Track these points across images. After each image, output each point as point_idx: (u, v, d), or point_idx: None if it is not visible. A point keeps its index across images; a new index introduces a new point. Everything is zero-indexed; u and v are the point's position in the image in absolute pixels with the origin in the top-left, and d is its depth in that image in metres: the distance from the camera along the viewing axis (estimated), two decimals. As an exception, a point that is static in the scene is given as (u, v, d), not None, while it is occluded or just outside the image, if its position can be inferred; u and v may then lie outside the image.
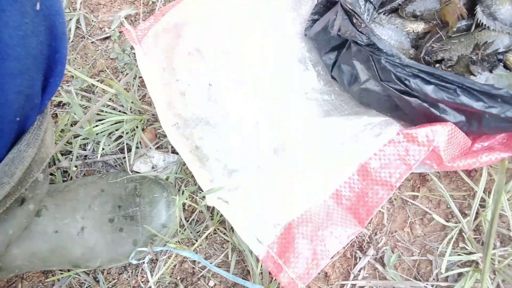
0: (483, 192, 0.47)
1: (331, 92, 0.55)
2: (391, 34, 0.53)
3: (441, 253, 0.47)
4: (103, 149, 0.66)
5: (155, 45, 0.58)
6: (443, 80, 0.41)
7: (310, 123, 0.52)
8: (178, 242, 0.56)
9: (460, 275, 0.45)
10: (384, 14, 0.56)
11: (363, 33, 0.45)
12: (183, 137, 0.56)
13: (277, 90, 0.56)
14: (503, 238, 0.45)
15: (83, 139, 0.67)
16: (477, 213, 0.47)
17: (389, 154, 0.45)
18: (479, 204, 0.47)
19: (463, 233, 0.46)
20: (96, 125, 0.67)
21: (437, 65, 0.51)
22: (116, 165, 0.68)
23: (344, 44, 0.52)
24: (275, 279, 0.50)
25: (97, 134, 0.67)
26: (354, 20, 0.47)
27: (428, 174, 0.50)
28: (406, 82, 0.43)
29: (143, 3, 0.77)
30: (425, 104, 0.43)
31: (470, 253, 0.45)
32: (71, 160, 0.68)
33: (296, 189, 0.49)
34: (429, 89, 0.42)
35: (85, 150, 0.69)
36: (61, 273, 0.60)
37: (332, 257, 0.49)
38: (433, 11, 0.51)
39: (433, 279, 0.46)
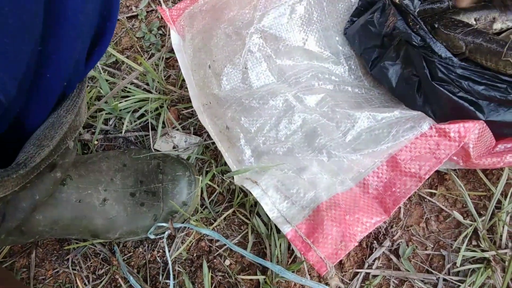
0: (500, 194, 0.49)
1: (361, 87, 0.57)
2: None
3: (454, 250, 0.49)
4: (126, 125, 0.67)
5: (190, 26, 0.59)
6: (494, 80, 0.43)
7: (342, 111, 0.54)
8: (197, 220, 0.57)
9: (471, 271, 0.47)
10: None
11: (419, 35, 0.47)
12: (214, 116, 0.57)
13: (312, 77, 0.58)
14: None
15: (107, 113, 0.68)
16: (492, 213, 0.49)
17: (420, 147, 0.46)
18: (495, 206, 0.49)
19: (478, 232, 0.48)
20: (120, 102, 0.68)
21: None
22: (137, 142, 0.69)
23: (384, 42, 0.53)
24: (293, 261, 0.51)
25: (120, 110, 0.68)
26: (409, 21, 0.48)
27: (446, 173, 0.52)
28: (458, 83, 0.45)
29: (173, -15, 0.78)
30: (471, 108, 0.45)
31: (483, 250, 0.47)
32: (93, 134, 0.69)
33: (324, 175, 0.50)
34: (480, 89, 0.44)
35: (106, 125, 0.70)
36: (77, 243, 0.61)
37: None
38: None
39: (445, 273, 0.48)
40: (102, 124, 0.68)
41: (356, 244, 0.43)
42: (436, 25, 0.52)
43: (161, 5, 0.62)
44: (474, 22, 0.52)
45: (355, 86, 0.59)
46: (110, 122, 0.70)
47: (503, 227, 0.47)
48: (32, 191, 0.51)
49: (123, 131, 0.67)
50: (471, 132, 0.43)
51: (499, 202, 0.49)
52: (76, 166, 0.59)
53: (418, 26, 0.48)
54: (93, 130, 0.69)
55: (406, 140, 0.47)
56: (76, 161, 0.60)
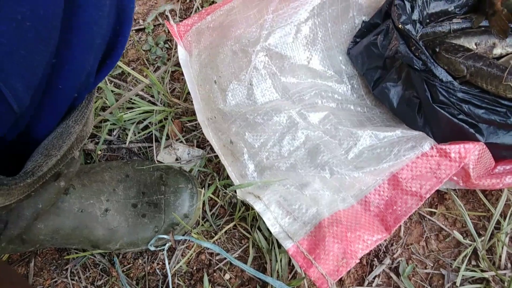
0: (499, 215, 0.49)
1: (363, 105, 0.58)
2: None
3: (453, 269, 0.49)
4: (130, 136, 0.68)
5: (197, 42, 0.61)
6: (494, 103, 0.44)
7: (345, 129, 0.55)
8: (198, 233, 0.57)
9: (471, 291, 0.48)
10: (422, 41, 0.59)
11: (420, 59, 0.49)
12: (219, 131, 0.58)
13: (315, 95, 0.59)
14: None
15: (111, 124, 0.69)
16: (491, 234, 0.49)
17: (421, 166, 0.47)
18: (494, 226, 0.50)
19: (477, 252, 0.49)
20: (125, 113, 0.69)
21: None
22: (140, 154, 0.69)
23: (386, 63, 0.55)
24: (293, 277, 0.51)
25: (125, 121, 0.69)
26: (411, 45, 0.50)
27: (446, 193, 0.53)
28: (459, 106, 0.47)
29: (180, 1, 0.80)
30: (471, 130, 0.46)
31: (482, 271, 0.48)
32: (97, 144, 0.69)
33: (326, 191, 0.51)
34: (481, 112, 0.45)
35: (110, 135, 0.70)
36: (76, 253, 0.61)
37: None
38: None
39: (445, 292, 0.48)
40: (106, 134, 0.69)
41: (357, 261, 0.44)
42: (437, 49, 0.53)
43: (169, 20, 0.63)
44: (475, 47, 0.54)
45: (357, 104, 0.61)
46: (114, 133, 0.71)
47: (503, 247, 0.48)
48: (36, 200, 0.51)
49: (127, 142, 0.68)
50: (471, 153, 0.44)
51: (498, 222, 0.50)
52: (79, 176, 0.60)
53: (419, 50, 0.49)
54: (97, 140, 0.69)
55: (407, 159, 0.48)
56: (79, 171, 0.60)
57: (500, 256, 0.48)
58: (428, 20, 0.58)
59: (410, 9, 0.54)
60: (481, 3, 0.56)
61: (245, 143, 0.57)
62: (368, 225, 0.47)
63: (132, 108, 0.70)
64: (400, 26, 0.52)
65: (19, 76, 0.30)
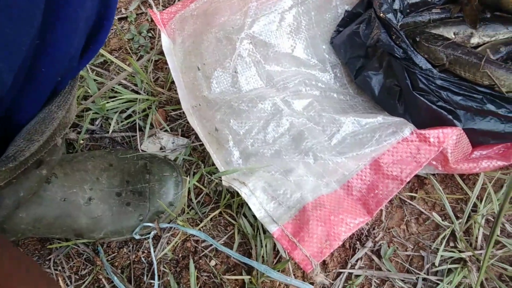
0: (476, 198, 0.51)
1: (346, 94, 0.59)
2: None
3: (432, 251, 0.51)
4: (113, 126, 0.67)
5: (181, 29, 0.60)
6: (471, 90, 0.46)
7: (328, 115, 0.55)
8: (183, 221, 0.57)
9: (449, 271, 0.49)
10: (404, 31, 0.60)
11: (401, 47, 0.50)
12: (203, 118, 0.58)
13: (299, 83, 0.59)
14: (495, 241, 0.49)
15: (93, 113, 0.68)
16: (468, 216, 0.51)
17: (402, 151, 0.49)
18: (471, 209, 0.51)
19: (455, 233, 0.51)
20: (107, 102, 0.68)
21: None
22: (123, 143, 0.69)
23: (368, 52, 0.56)
24: (278, 261, 0.52)
25: (107, 110, 0.68)
26: (392, 34, 0.51)
27: (426, 178, 0.55)
28: (438, 93, 0.48)
29: (164, -11, 0.79)
30: (449, 116, 0.48)
31: (460, 251, 0.49)
32: (79, 133, 0.68)
33: (310, 177, 0.52)
34: (458, 99, 0.47)
35: (93, 125, 0.69)
36: (59, 243, 0.60)
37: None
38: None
39: (424, 272, 0.50)
40: (89, 124, 0.68)
41: (341, 243, 0.45)
42: (417, 39, 0.54)
43: (152, 8, 0.63)
44: (453, 36, 0.55)
45: (340, 93, 0.61)
46: (97, 122, 0.70)
47: (479, 229, 0.50)
48: (16, 188, 0.50)
49: (110, 131, 0.67)
50: (449, 138, 0.46)
51: (475, 205, 0.52)
52: (62, 165, 0.59)
53: (400, 39, 0.50)
54: (79, 130, 0.68)
55: (388, 144, 0.49)
56: (61, 160, 0.59)
57: (477, 237, 0.50)
58: (408, 10, 0.59)
59: None
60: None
61: (230, 130, 0.57)
62: (350, 208, 0.48)
63: (115, 97, 0.69)
64: (381, 15, 0.53)
65: (3, 56, 0.30)
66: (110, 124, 0.68)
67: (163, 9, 0.65)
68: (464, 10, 0.56)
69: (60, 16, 0.32)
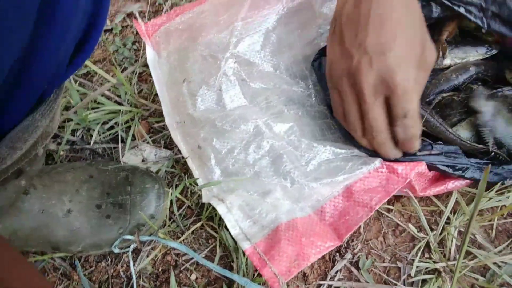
0: (449, 212, 0.54)
1: (326, 112, 0.61)
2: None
3: (409, 262, 0.53)
4: (93, 136, 0.66)
5: (166, 43, 0.61)
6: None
7: (307, 141, 0.57)
8: (165, 233, 0.57)
9: (424, 282, 0.51)
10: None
11: None
12: (187, 135, 0.59)
13: (282, 101, 0.61)
14: (467, 252, 0.52)
15: (75, 124, 0.68)
16: (442, 228, 0.53)
17: (372, 181, 0.51)
18: (445, 221, 0.54)
19: (430, 245, 0.53)
20: (90, 113, 0.67)
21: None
22: (104, 155, 0.68)
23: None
24: (259, 275, 0.53)
25: (89, 121, 0.68)
26: None
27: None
28: None
29: (150, 3, 0.80)
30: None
31: (435, 262, 0.51)
32: (59, 144, 0.67)
33: (286, 200, 0.53)
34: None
35: (74, 136, 0.69)
36: (34, 256, 0.58)
37: (312, 259, 0.53)
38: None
39: (401, 283, 0.51)
40: (69, 135, 0.67)
41: (309, 263, 0.46)
42: None
43: (137, 19, 0.64)
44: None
45: (321, 112, 0.63)
46: (78, 133, 0.69)
47: (452, 240, 0.52)
48: (-7, 199, 0.49)
49: (91, 143, 0.66)
50: (415, 170, 0.49)
51: (448, 218, 0.54)
52: (41, 176, 0.58)
53: None
54: (59, 141, 0.68)
55: (360, 173, 0.52)
56: (40, 171, 0.58)
57: (450, 248, 0.52)
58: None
59: None
60: (434, 25, 0.61)
61: (213, 149, 0.58)
62: (322, 232, 0.50)
63: (97, 108, 0.69)
64: None
65: None
66: (91, 135, 0.67)
67: (149, 19, 0.66)
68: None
69: (51, 22, 0.33)
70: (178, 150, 0.66)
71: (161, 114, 0.67)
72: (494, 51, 0.59)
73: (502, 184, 0.52)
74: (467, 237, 0.40)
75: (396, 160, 0.51)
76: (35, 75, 0.35)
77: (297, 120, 0.59)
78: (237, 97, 0.62)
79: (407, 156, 0.51)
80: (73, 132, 0.69)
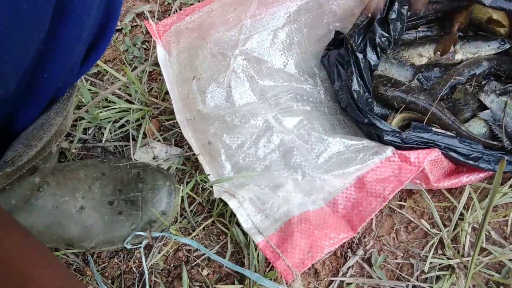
0: (462, 207, 0.53)
1: (336, 107, 0.61)
2: (398, 69, 0.60)
3: (422, 258, 0.52)
4: (104, 135, 0.67)
5: (176, 42, 0.62)
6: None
7: (317, 134, 0.57)
8: (176, 230, 0.57)
9: (437, 278, 0.50)
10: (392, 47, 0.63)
11: (363, 115, 0.53)
12: (197, 131, 0.59)
13: (291, 98, 0.61)
14: (481, 249, 0.51)
15: (87, 122, 0.68)
16: (456, 224, 0.53)
17: (384, 170, 0.51)
18: (458, 217, 0.53)
19: (443, 241, 0.52)
20: (101, 112, 0.68)
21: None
22: (115, 153, 0.69)
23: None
24: (270, 269, 0.53)
25: (101, 120, 0.68)
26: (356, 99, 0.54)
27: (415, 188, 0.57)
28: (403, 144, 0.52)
29: (159, 3, 0.81)
30: None
31: (448, 258, 0.51)
32: (71, 142, 0.68)
33: (298, 193, 0.53)
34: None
35: (85, 134, 0.69)
36: (48, 253, 0.59)
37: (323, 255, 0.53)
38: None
39: (414, 280, 0.51)
40: (81, 133, 0.68)
41: (323, 255, 0.46)
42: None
43: (147, 20, 0.64)
44: (439, 52, 0.58)
45: (331, 107, 0.63)
46: (90, 131, 0.70)
47: (466, 236, 0.52)
48: (9, 195, 0.50)
49: (103, 141, 0.67)
50: (428, 157, 0.48)
51: (462, 214, 0.54)
52: (54, 173, 0.58)
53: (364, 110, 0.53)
54: (71, 139, 0.68)
55: (372, 163, 0.51)
56: (53, 169, 0.59)
57: (464, 245, 0.52)
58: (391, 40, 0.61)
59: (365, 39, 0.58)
60: (445, 18, 0.61)
61: (223, 144, 0.58)
62: (335, 224, 0.49)
63: (108, 106, 0.69)
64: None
65: (11, 60, 0.30)
66: (103, 133, 0.68)
67: (158, 21, 0.67)
68: (441, 36, 0.60)
69: (65, 23, 0.33)
70: (189, 147, 0.66)
71: (171, 112, 0.67)
72: (508, 45, 0.59)
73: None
74: (482, 233, 0.40)
75: (408, 148, 0.51)
76: (50, 76, 0.36)
77: (306, 115, 0.59)
78: (246, 93, 0.62)
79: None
80: (85, 131, 0.70)
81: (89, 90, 0.70)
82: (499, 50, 0.59)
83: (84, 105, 0.69)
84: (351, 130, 0.60)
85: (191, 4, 0.78)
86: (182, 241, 0.56)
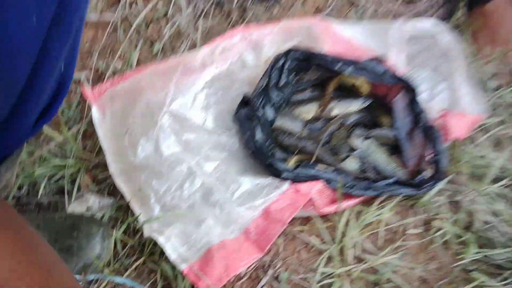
0: (344, 226, 0.69)
1: (246, 153, 0.75)
2: (292, 122, 0.77)
3: (317, 270, 0.65)
4: (40, 191, 0.73)
5: (110, 104, 0.73)
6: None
7: (232, 177, 0.70)
8: (110, 272, 0.64)
9: (330, 285, 0.63)
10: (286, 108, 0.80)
11: (265, 159, 0.69)
12: (129, 180, 0.69)
13: (210, 148, 0.74)
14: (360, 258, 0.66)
15: (23, 177, 0.73)
16: (340, 241, 0.67)
17: (283, 201, 0.66)
18: (341, 235, 0.68)
19: (333, 255, 0.66)
20: (36, 169, 0.74)
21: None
22: (50, 206, 0.74)
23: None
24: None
25: (36, 176, 0.74)
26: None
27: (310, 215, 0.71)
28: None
29: (93, 70, 0.92)
30: None
31: (336, 268, 0.64)
32: (6, 198, 0.72)
33: (217, 225, 0.65)
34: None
35: (20, 190, 0.74)
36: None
37: (241, 278, 0.64)
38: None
39: (313, 289, 0.63)
40: (16, 189, 0.73)
41: (237, 272, 0.57)
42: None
43: (84, 87, 0.74)
44: (319, 109, 0.77)
45: (243, 153, 0.77)
46: (24, 187, 0.75)
47: (348, 250, 0.66)
48: None
49: (39, 196, 0.72)
50: (314, 188, 0.64)
51: (344, 232, 0.69)
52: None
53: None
54: (6, 194, 0.72)
55: (274, 196, 0.67)
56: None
57: (347, 257, 0.66)
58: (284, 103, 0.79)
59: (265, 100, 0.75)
60: (323, 84, 0.80)
61: (152, 189, 0.68)
62: (248, 249, 0.63)
63: (44, 163, 0.75)
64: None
65: None
66: (37, 188, 0.73)
67: (93, 86, 0.78)
68: (322, 97, 0.79)
69: (35, 87, 0.38)
70: (121, 196, 0.74)
71: (105, 165, 0.76)
72: (368, 102, 0.79)
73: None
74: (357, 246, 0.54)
75: (300, 182, 0.66)
76: (11, 138, 0.42)
77: (223, 160, 0.72)
78: (172, 145, 0.73)
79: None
80: (20, 187, 0.74)
81: (26, 148, 0.76)
82: (363, 106, 0.79)
83: (20, 163, 0.74)
84: (260, 171, 0.73)
85: (123, 72, 0.90)
86: (116, 281, 0.63)
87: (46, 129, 0.76)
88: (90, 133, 0.83)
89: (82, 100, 0.88)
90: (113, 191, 0.76)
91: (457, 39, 0.85)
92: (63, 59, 0.41)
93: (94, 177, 0.77)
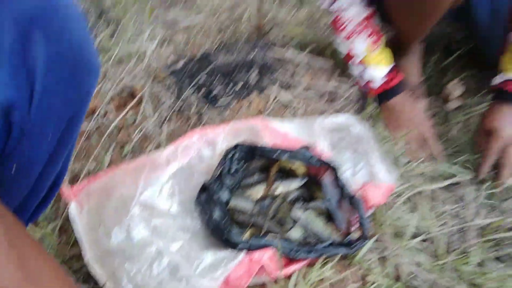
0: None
1: (208, 232, 0.88)
2: (244, 202, 0.92)
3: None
4: None
5: (87, 200, 0.85)
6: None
7: (195, 253, 0.82)
8: None
9: None
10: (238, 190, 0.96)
11: (222, 234, 0.82)
12: (103, 266, 0.78)
13: (175, 230, 0.86)
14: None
15: None
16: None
17: (240, 269, 0.78)
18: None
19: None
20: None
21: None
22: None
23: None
24: None
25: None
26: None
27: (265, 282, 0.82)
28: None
29: (69, 170, 1.04)
30: None
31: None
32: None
33: None
34: None
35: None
36: None
37: None
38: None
39: None
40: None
41: None
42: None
43: (62, 186, 0.87)
44: (264, 189, 0.93)
45: (205, 232, 0.90)
46: None
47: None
48: None
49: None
50: (265, 255, 0.77)
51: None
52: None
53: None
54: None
55: (231, 266, 0.78)
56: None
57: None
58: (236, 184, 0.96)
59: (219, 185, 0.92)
60: (268, 167, 0.98)
61: (125, 271, 0.78)
62: None
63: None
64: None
65: None
66: None
67: (71, 185, 0.90)
68: (267, 178, 0.97)
69: (37, 192, 0.54)
70: (95, 283, 0.82)
71: (79, 256, 0.85)
72: (304, 180, 0.97)
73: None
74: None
75: (253, 250, 0.78)
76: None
77: (187, 240, 0.84)
78: (142, 231, 0.85)
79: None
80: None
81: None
82: (301, 184, 0.97)
83: None
84: (219, 246, 0.85)
85: (98, 172, 1.03)
86: None
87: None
88: (65, 229, 0.93)
89: (58, 199, 0.99)
90: (87, 279, 0.83)
91: (366, 127, 1.09)
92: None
93: (69, 267, 0.85)
